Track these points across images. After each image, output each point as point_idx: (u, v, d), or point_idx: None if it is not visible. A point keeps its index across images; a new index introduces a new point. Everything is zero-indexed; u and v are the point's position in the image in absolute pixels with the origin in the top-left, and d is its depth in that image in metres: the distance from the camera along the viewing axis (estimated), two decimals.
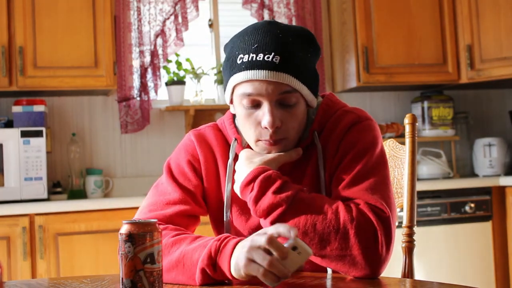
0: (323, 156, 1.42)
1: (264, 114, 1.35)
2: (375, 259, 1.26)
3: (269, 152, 1.40)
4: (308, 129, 1.45)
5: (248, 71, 1.33)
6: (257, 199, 1.32)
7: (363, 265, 1.26)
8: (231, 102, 1.44)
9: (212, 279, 1.25)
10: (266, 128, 1.36)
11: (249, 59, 1.33)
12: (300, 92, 1.36)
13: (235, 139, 1.47)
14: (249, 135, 1.41)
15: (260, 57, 1.32)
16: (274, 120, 1.34)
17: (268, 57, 1.32)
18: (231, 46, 1.40)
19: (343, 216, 1.27)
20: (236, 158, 1.47)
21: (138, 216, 1.47)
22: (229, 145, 1.49)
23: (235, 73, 1.36)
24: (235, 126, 1.48)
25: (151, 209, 1.46)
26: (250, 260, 1.16)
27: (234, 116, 1.51)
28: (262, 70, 1.32)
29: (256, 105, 1.37)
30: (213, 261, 1.23)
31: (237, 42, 1.38)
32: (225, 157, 1.49)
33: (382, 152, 1.43)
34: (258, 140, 1.39)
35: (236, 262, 1.19)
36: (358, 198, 1.32)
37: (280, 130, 1.36)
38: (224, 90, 1.43)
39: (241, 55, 1.35)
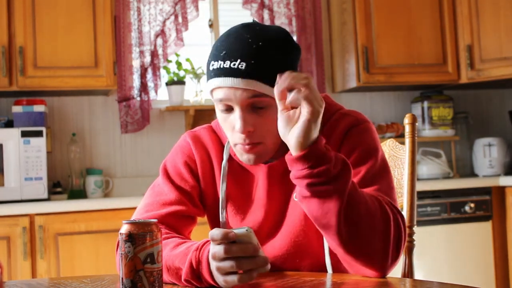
0: None
1: (236, 120, 1.36)
2: (394, 261, 1.27)
3: (247, 158, 1.39)
4: None
5: (217, 78, 1.35)
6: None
7: (383, 266, 1.25)
8: None
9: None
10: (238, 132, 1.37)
11: (218, 66, 1.35)
12: (271, 96, 1.34)
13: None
14: (228, 138, 1.43)
15: (227, 64, 1.34)
16: (244, 126, 1.34)
17: (234, 64, 1.33)
18: (209, 52, 1.42)
19: (388, 213, 1.25)
20: (230, 159, 1.48)
21: (134, 217, 1.48)
22: (223, 146, 1.51)
23: (208, 80, 1.39)
24: None
25: (148, 210, 1.47)
26: (224, 274, 1.17)
27: None
28: (228, 78, 1.33)
29: (230, 109, 1.38)
30: (196, 273, 1.24)
31: (213, 48, 1.40)
32: (219, 158, 1.50)
33: (383, 154, 1.43)
34: (235, 144, 1.40)
35: (216, 279, 1.20)
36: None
37: (254, 134, 1.37)
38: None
39: (213, 62, 1.37)
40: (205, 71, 3.80)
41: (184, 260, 1.26)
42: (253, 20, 1.44)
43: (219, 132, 1.52)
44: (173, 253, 1.30)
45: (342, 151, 1.40)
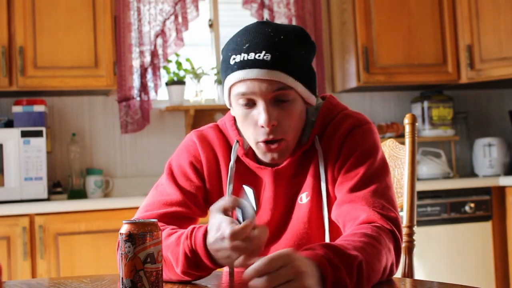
0: (324, 160, 1.42)
1: (260, 113, 1.34)
2: (397, 267, 1.33)
3: (270, 156, 1.39)
4: (309, 132, 1.45)
5: (240, 71, 1.33)
6: None
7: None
8: (230, 104, 1.44)
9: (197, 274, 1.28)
10: (263, 127, 1.35)
11: (241, 59, 1.33)
12: (295, 89, 1.35)
13: (237, 141, 1.46)
14: (248, 136, 1.41)
15: (251, 56, 1.32)
16: (269, 118, 1.33)
17: (259, 56, 1.31)
18: (226, 49, 1.40)
19: (391, 260, 1.29)
20: (238, 160, 1.47)
21: (136, 215, 1.47)
22: (231, 147, 1.49)
23: (228, 74, 1.36)
24: (237, 128, 1.48)
25: (148, 209, 1.46)
26: (225, 257, 1.19)
27: (235, 117, 1.51)
28: (253, 69, 1.31)
29: (252, 104, 1.36)
30: (193, 261, 1.25)
31: (230, 44, 1.38)
32: (226, 158, 1.49)
33: (383, 155, 1.44)
34: (257, 142, 1.39)
35: (219, 260, 1.21)
36: (365, 204, 1.33)
37: (277, 129, 1.35)
38: (223, 93, 1.43)
39: (234, 56, 1.34)
40: (205, 71, 3.82)
41: (177, 251, 1.26)
42: (266, 19, 1.43)
43: (226, 132, 1.51)
44: (165, 244, 1.31)
45: (342, 152, 1.41)
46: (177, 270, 1.28)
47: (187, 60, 3.84)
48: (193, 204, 1.47)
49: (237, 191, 1.47)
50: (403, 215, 1.60)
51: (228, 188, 1.45)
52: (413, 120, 1.69)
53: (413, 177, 1.63)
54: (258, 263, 1.04)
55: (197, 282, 1.31)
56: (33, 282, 1.40)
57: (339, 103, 1.50)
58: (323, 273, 1.09)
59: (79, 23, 3.38)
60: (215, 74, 3.88)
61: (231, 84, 1.36)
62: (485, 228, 3.57)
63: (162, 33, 3.74)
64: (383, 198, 1.35)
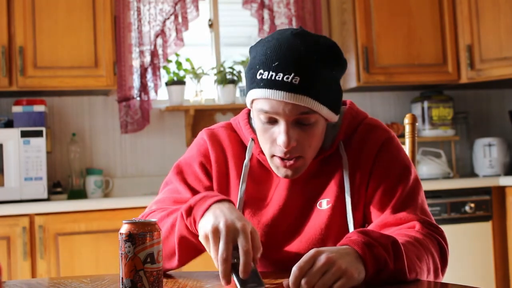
0: (351, 167, 1.41)
1: (280, 133, 1.33)
2: (444, 271, 1.44)
3: (284, 173, 1.38)
4: (332, 136, 1.44)
5: (266, 89, 1.30)
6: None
7: (439, 278, 1.36)
8: (251, 107, 1.42)
9: (187, 228, 1.30)
10: (280, 146, 1.34)
11: (269, 76, 1.30)
12: (319, 112, 1.33)
13: (252, 139, 1.45)
14: (265, 149, 1.40)
15: (279, 77, 1.29)
16: (289, 140, 1.32)
17: (288, 78, 1.28)
18: (254, 55, 1.37)
19: (433, 264, 1.33)
20: (253, 158, 1.46)
21: (147, 210, 1.48)
22: (243, 146, 1.48)
23: (253, 88, 1.33)
24: (251, 126, 1.47)
25: (159, 205, 1.47)
26: (207, 237, 1.21)
27: (249, 116, 1.50)
28: (280, 91, 1.29)
29: (273, 121, 1.35)
30: (190, 209, 1.28)
31: (260, 53, 1.34)
32: (237, 158, 1.48)
33: (414, 168, 1.46)
34: (273, 156, 1.38)
35: (202, 226, 1.24)
36: (414, 221, 1.36)
37: (296, 148, 1.34)
38: (245, 97, 1.41)
39: (261, 71, 1.31)
40: (205, 71, 3.82)
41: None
42: (300, 27, 1.38)
43: (240, 131, 1.50)
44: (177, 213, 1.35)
45: (378, 165, 1.41)
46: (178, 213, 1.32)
47: (187, 60, 3.85)
48: None
49: (249, 189, 1.46)
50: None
51: (240, 186, 1.45)
52: (413, 120, 1.69)
53: None
54: (291, 276, 1.10)
55: (197, 281, 1.31)
56: (33, 282, 1.40)
57: (360, 109, 1.50)
58: (360, 253, 1.14)
59: (79, 23, 3.38)
60: (215, 74, 3.88)
61: (255, 98, 1.34)
62: (485, 228, 3.57)
63: (162, 33, 3.74)
64: (425, 215, 1.38)
